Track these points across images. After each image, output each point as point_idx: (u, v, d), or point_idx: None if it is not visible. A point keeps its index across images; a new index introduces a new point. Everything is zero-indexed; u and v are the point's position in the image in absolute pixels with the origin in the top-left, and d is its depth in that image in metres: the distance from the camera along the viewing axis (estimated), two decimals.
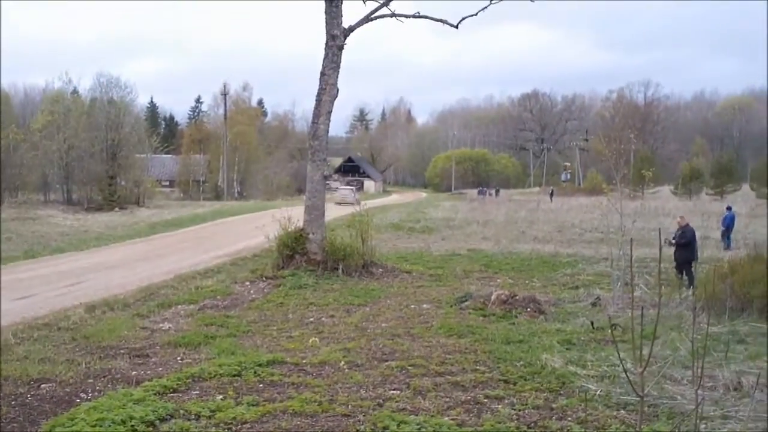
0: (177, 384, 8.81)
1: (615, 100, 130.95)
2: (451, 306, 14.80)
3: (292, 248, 19.08)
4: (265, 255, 21.75)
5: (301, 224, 19.40)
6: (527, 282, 18.78)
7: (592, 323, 12.47)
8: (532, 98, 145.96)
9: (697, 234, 19.31)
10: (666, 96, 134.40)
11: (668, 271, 18.55)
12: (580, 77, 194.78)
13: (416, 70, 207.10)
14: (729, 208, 30.39)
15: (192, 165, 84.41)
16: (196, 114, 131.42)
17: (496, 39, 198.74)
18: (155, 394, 8.36)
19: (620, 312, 13.47)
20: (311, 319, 13.53)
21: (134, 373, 9.63)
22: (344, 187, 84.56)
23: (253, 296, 16.28)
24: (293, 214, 19.61)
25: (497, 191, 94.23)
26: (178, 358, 10.50)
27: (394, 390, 8.74)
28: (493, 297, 14.51)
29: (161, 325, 13.11)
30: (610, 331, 11.47)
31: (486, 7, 19.70)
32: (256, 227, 21.55)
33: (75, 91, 64.77)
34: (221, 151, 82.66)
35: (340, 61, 19.38)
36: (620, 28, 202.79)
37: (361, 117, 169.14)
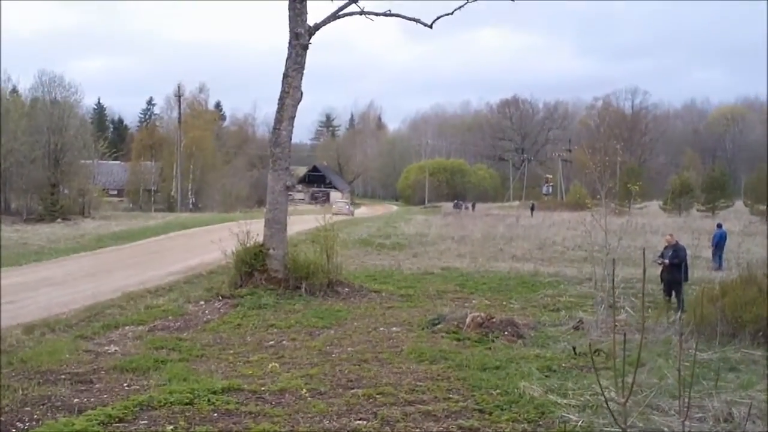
0: (123, 413, 8.73)
1: (600, 108, 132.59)
2: (423, 329, 14.83)
3: (251, 265, 19.02)
4: (222, 272, 21.67)
5: (261, 239, 19.35)
6: (505, 303, 18.88)
7: (573, 348, 12.56)
8: (511, 105, 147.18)
9: (687, 253, 19.53)
10: (654, 105, 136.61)
11: (655, 294, 18.74)
12: (564, 84, 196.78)
13: (387, 73, 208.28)
14: (719, 226, 30.75)
15: (143, 173, 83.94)
16: (147, 117, 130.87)
17: (474, 42, 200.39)
18: (99, 424, 8.29)
19: (604, 336, 13.58)
20: (271, 343, 13.49)
21: (76, 400, 9.54)
22: (340, 199, 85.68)
23: (208, 317, 16.19)
24: (253, 227, 19.55)
25: (473, 205, 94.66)
26: (125, 385, 10.41)
27: (360, 420, 8.74)
28: (468, 320, 14.56)
29: (107, 348, 13.00)
30: (592, 357, 11.56)
31: (462, 6, 19.88)
32: (212, 241, 21.47)
33: (14, 90, 64.17)
34: (175, 158, 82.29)
35: (304, 62, 19.42)
36: (605, 33, 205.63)
37: (328, 123, 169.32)
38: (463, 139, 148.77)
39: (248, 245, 19.26)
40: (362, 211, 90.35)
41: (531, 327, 15.11)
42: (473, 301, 18.99)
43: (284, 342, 13.58)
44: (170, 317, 15.94)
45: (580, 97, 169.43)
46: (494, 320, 14.50)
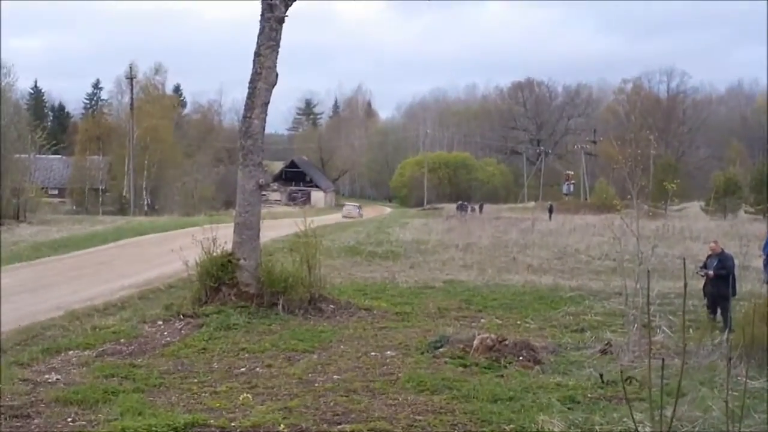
0: None
1: (630, 92, 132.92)
2: (423, 353, 14.84)
3: (218, 278, 18.98)
4: (183, 286, 21.64)
5: (229, 247, 19.31)
6: (519, 323, 18.90)
7: (601, 376, 12.57)
8: (525, 88, 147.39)
9: (735, 263, 19.53)
10: (694, 88, 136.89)
11: (698, 311, 18.76)
12: (586, 63, 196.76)
13: (378, 52, 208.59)
14: None
15: (88, 169, 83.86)
16: (93, 103, 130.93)
17: (480, 16, 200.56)
18: None
19: (637, 362, 13.60)
20: (242, 370, 13.48)
21: None
22: (350, 203, 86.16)
23: (167, 339, 16.16)
24: (220, 234, 19.52)
25: (480, 206, 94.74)
26: (69, 420, 10.39)
27: None
28: (475, 342, 14.58)
29: (47, 376, 12.96)
30: (623, 385, 11.56)
31: None
32: (172, 250, 21.44)
33: None
34: (126, 151, 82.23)
35: (280, 38, 19.40)
36: (635, 4, 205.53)
37: (308, 110, 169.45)
38: (469, 129, 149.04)
39: (214, 255, 19.22)
40: None
41: (550, 350, 15.13)
42: (482, 321, 19.01)
43: (258, 369, 13.57)
44: (122, 340, 15.89)
45: (606, 79, 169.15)
46: (507, 343, 14.52)
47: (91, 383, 12.29)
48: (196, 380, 12.67)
